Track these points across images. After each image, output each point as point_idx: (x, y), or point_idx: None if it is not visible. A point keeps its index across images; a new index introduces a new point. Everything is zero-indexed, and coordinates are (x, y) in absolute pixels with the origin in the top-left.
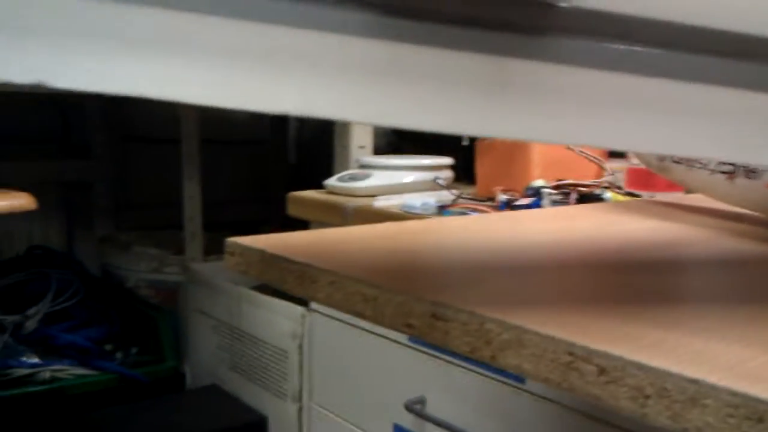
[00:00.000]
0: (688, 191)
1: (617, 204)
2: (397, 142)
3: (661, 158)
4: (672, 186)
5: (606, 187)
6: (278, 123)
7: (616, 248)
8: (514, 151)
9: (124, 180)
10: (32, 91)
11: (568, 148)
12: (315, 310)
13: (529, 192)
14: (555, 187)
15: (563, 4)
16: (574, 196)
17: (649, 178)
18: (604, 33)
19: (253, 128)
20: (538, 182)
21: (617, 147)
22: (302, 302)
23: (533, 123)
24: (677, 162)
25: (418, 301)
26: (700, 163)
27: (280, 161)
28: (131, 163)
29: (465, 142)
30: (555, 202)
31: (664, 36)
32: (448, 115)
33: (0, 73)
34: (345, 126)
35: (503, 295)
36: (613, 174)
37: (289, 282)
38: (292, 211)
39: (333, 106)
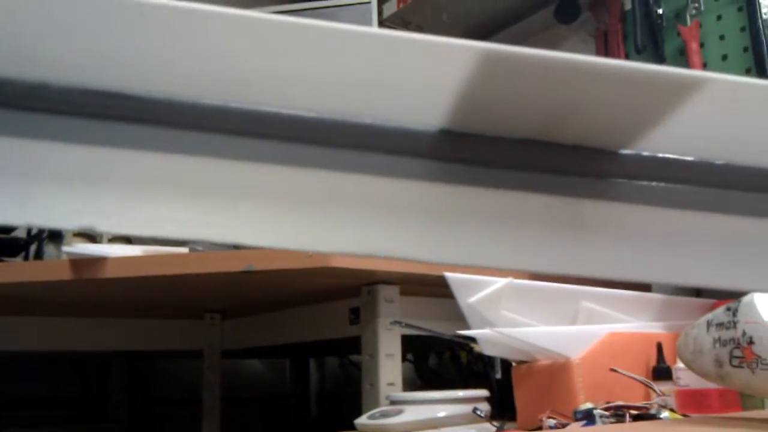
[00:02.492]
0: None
1: (679, 420)
2: (416, 380)
3: (720, 363)
4: (728, 406)
5: (662, 407)
6: (299, 378)
7: None
8: (554, 375)
9: None
10: (51, 350)
11: (613, 370)
12: None
13: (579, 415)
14: (606, 409)
15: (624, 152)
16: (628, 417)
17: (702, 399)
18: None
19: (273, 384)
20: (587, 405)
21: (688, 282)
22: None
23: (605, 259)
24: (738, 366)
25: None
26: (765, 364)
27: (302, 416)
28: (149, 427)
29: (497, 375)
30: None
31: (710, 175)
32: (523, 254)
33: (47, 221)
34: (372, 364)
35: None
36: (663, 395)
37: None
38: None
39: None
